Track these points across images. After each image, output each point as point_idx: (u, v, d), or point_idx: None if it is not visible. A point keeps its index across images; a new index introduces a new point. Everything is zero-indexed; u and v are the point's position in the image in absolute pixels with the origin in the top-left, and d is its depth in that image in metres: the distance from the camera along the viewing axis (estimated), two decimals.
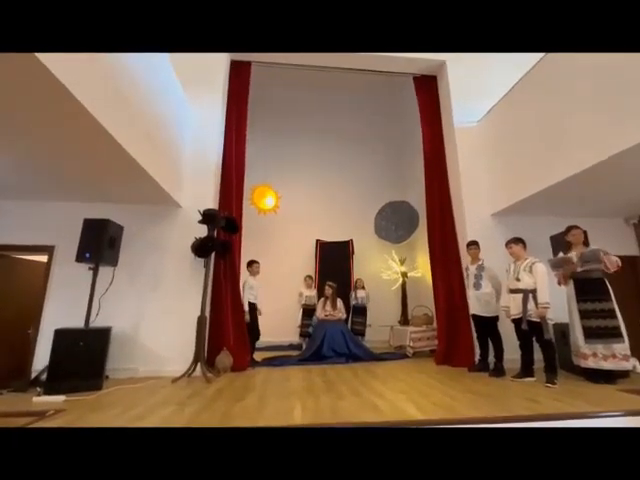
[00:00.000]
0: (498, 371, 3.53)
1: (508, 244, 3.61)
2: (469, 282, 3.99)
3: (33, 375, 3.31)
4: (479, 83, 4.96)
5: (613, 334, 3.13)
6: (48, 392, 2.83)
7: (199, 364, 3.55)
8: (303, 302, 6.04)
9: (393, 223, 7.25)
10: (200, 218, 3.86)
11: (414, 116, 5.74)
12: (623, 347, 3.11)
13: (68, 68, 1.93)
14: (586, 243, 3.47)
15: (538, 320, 3.21)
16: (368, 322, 6.03)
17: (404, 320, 6.26)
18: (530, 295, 3.27)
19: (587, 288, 3.33)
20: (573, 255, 3.40)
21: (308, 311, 5.96)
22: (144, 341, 3.76)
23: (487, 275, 3.83)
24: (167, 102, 3.70)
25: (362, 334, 5.85)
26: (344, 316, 5.54)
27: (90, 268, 3.41)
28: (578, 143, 3.23)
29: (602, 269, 3.28)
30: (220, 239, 4.08)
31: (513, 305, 3.40)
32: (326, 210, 7.83)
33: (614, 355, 3.10)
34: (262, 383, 3.33)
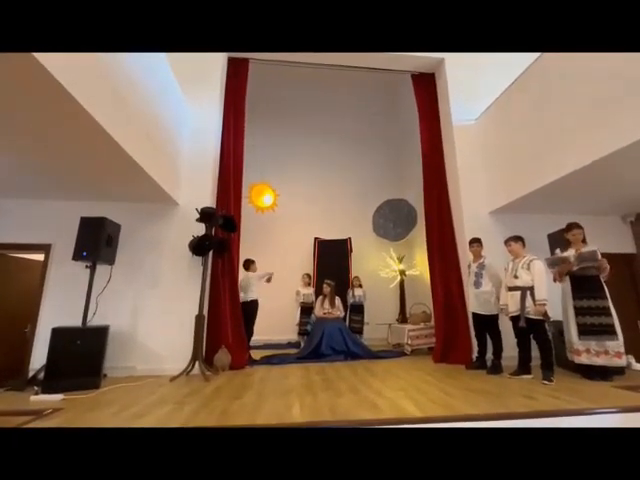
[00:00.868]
0: (496, 368, 3.54)
1: (507, 242, 3.62)
2: (470, 280, 3.98)
3: (30, 374, 3.30)
4: (477, 81, 4.96)
5: (607, 331, 3.17)
6: (45, 391, 2.82)
7: (197, 362, 3.55)
8: (300, 300, 6.06)
9: (391, 221, 7.26)
10: (198, 216, 3.85)
11: (412, 114, 5.74)
12: (617, 344, 3.14)
13: (66, 68, 1.93)
14: (584, 241, 3.48)
15: (536, 317, 3.22)
16: (366, 320, 6.04)
17: (402, 318, 6.29)
18: (528, 292, 3.28)
19: (583, 285, 3.34)
20: (571, 254, 3.40)
21: (306, 309, 5.97)
22: (142, 339, 3.75)
23: (488, 273, 3.82)
24: (165, 100, 3.68)
25: (360, 332, 5.86)
26: (342, 314, 5.55)
27: (87, 266, 3.40)
28: (575, 141, 3.24)
29: (596, 267, 3.30)
30: (218, 237, 4.07)
31: (511, 302, 3.41)
32: (324, 208, 7.83)
33: (606, 352, 3.13)
34: (260, 381, 3.33)
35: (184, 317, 3.75)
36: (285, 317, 6.42)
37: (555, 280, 3.54)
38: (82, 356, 3.06)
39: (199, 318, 3.70)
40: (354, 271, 7.01)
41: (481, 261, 3.91)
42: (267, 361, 4.49)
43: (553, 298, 3.32)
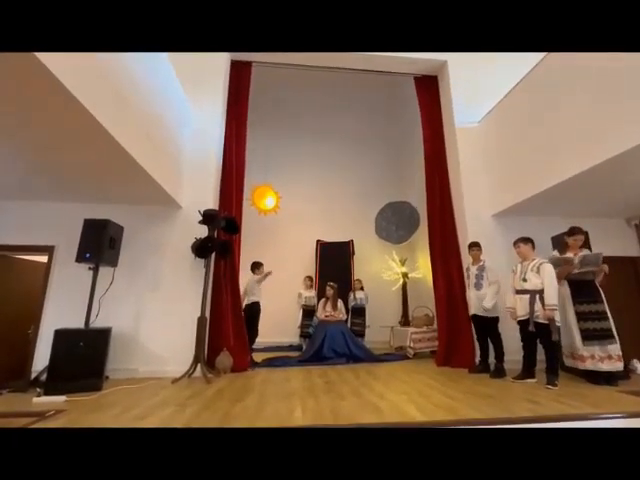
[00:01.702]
0: (499, 372, 3.52)
1: (516, 243, 3.54)
2: (470, 282, 3.98)
3: (33, 375, 3.31)
4: (480, 83, 4.96)
5: (607, 335, 3.17)
6: (48, 392, 2.82)
7: (199, 365, 3.55)
8: (302, 303, 6.05)
9: (394, 223, 7.24)
10: (200, 218, 3.86)
11: (415, 116, 5.74)
12: (616, 348, 3.15)
13: (68, 68, 1.93)
14: (587, 244, 3.46)
15: (544, 322, 3.16)
16: (367, 323, 6.02)
17: (405, 321, 6.26)
18: (537, 296, 3.21)
19: (582, 290, 3.32)
20: (574, 257, 3.37)
21: (308, 312, 5.96)
22: (144, 341, 3.75)
23: (488, 276, 3.82)
24: (167, 102, 3.70)
25: (362, 335, 5.85)
26: (345, 317, 5.54)
27: (90, 268, 3.41)
28: (579, 144, 3.23)
29: (594, 272, 3.30)
30: (220, 239, 4.07)
31: (519, 306, 3.34)
32: (326, 210, 7.84)
33: (610, 356, 3.12)
34: (262, 384, 3.32)
35: (186, 319, 3.75)
36: (287, 319, 6.41)
37: None
38: (84, 358, 3.07)
39: (201, 320, 3.70)
40: (356, 273, 7.00)
41: (481, 263, 3.91)
42: (269, 364, 4.48)
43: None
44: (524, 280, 3.34)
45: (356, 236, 7.47)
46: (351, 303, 6.12)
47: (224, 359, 3.80)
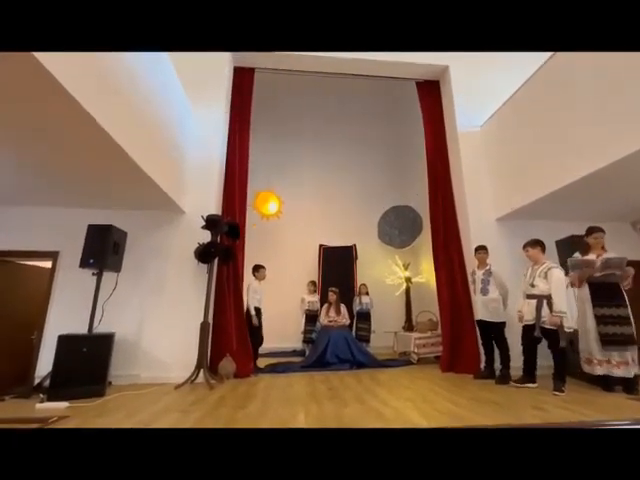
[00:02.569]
0: (504, 378, 3.47)
1: (525, 247, 3.48)
2: (476, 287, 3.93)
3: (36, 381, 3.31)
4: (482, 87, 4.97)
5: (629, 341, 3.03)
6: (51, 398, 2.82)
7: (202, 370, 3.54)
8: (305, 308, 6.02)
9: (396, 228, 7.24)
10: (203, 224, 3.87)
11: (417, 119, 5.73)
12: (634, 354, 3.03)
13: (69, 71, 1.91)
14: (603, 247, 3.36)
15: (551, 327, 3.09)
16: (372, 328, 5.99)
17: (408, 326, 6.22)
18: (544, 301, 3.15)
19: (603, 292, 3.17)
20: (597, 259, 3.22)
21: (311, 317, 5.93)
22: (147, 347, 3.75)
23: (495, 281, 3.77)
24: (170, 108, 3.73)
25: (367, 340, 5.81)
26: (348, 322, 5.51)
27: (94, 274, 3.42)
28: (583, 147, 3.21)
29: (618, 275, 3.16)
30: (223, 245, 4.08)
31: (527, 311, 3.28)
32: (329, 215, 7.84)
33: (627, 362, 3.00)
34: (265, 390, 3.30)
35: (189, 325, 3.74)
36: (290, 325, 6.39)
37: (573, 285, 3.37)
38: (88, 363, 3.06)
39: (204, 325, 3.69)
40: (359, 278, 6.98)
41: (487, 268, 3.87)
42: (272, 369, 4.46)
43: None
44: (532, 285, 3.28)
45: (359, 240, 7.46)
46: (356, 308, 6.09)
47: (227, 365, 3.78)
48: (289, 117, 8.18)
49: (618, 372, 3.00)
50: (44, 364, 3.41)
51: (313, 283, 6.43)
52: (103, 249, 3.36)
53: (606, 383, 3.08)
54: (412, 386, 3.40)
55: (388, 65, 5.06)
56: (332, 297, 5.46)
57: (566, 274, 3.48)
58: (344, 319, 5.38)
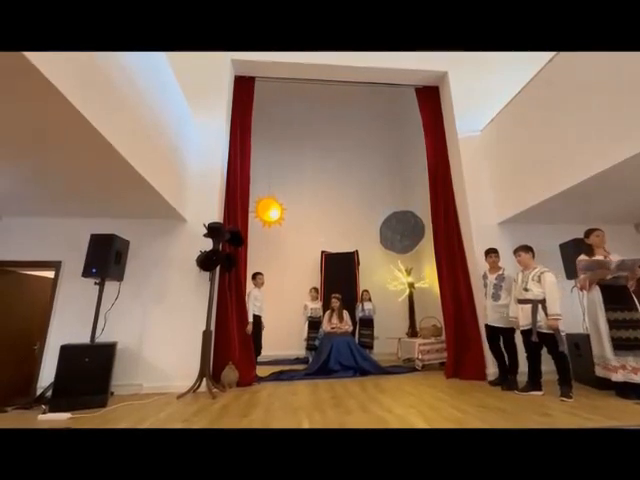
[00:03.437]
0: (511, 385, 3.42)
1: (516, 252, 3.52)
2: (487, 292, 3.84)
3: (39, 392, 3.29)
4: (481, 92, 4.98)
5: None
6: (53, 409, 2.80)
7: (204, 379, 3.51)
8: (308, 315, 6.00)
9: (398, 233, 7.23)
10: (205, 232, 3.88)
11: (418, 123, 5.74)
12: None
13: (60, 69, 1.86)
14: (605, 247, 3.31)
15: (548, 332, 3.09)
16: (375, 334, 5.94)
17: (412, 332, 6.16)
18: (539, 305, 3.16)
19: (615, 296, 3.10)
20: (611, 261, 3.14)
21: (314, 324, 5.90)
22: (149, 356, 3.73)
23: (507, 287, 3.70)
24: (172, 116, 3.75)
25: (370, 347, 5.76)
26: (351, 328, 5.48)
27: (96, 283, 3.42)
28: (585, 149, 3.20)
29: (626, 277, 3.10)
30: (225, 252, 4.08)
31: (522, 316, 3.29)
32: (331, 221, 7.84)
33: None
34: (268, 398, 3.27)
35: (191, 333, 3.73)
36: (293, 332, 6.36)
37: (582, 288, 3.32)
38: (90, 374, 3.05)
39: (206, 334, 3.68)
40: (362, 284, 6.95)
41: (500, 273, 3.79)
42: (275, 377, 4.42)
43: (565, 310, 3.18)
44: (525, 290, 3.28)
45: (361, 246, 7.45)
46: (359, 314, 6.05)
47: (229, 373, 3.75)
48: (289, 123, 8.24)
49: (636, 378, 2.88)
50: (46, 374, 3.41)
51: (315, 290, 6.41)
52: (105, 258, 3.36)
53: (622, 390, 2.95)
54: (416, 393, 3.36)
55: (387, 72, 5.10)
56: (335, 303, 5.44)
57: (574, 277, 3.43)
58: (347, 326, 5.35)
